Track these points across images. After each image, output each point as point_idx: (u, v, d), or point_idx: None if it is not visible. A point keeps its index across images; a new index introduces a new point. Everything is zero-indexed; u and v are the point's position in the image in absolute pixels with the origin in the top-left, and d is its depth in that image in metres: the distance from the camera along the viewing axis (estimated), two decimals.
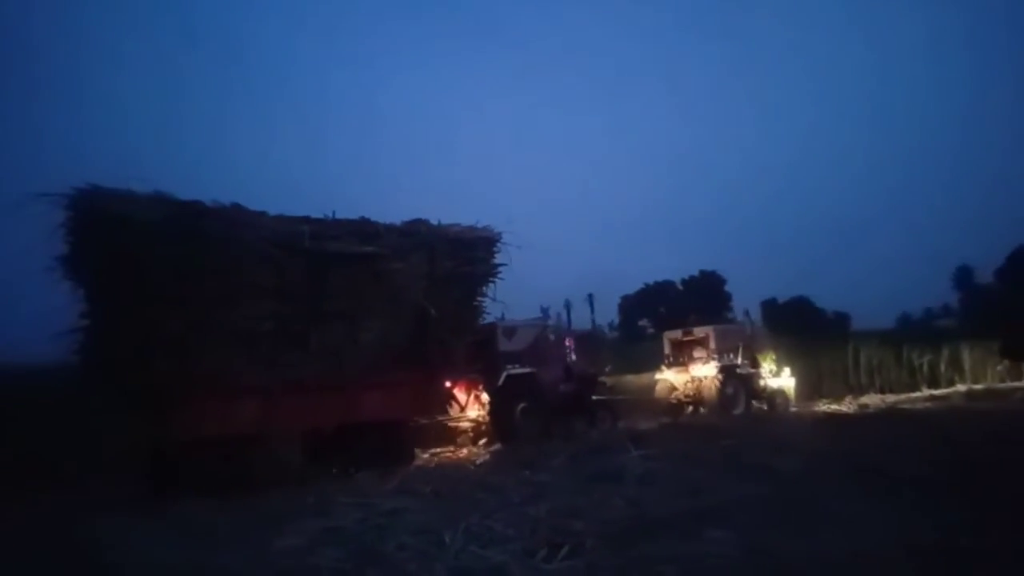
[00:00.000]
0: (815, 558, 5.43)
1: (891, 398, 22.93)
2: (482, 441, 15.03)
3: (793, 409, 20.77)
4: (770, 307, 54.33)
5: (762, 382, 20.73)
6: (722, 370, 19.64)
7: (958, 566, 5.17)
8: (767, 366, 21.19)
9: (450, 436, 15.23)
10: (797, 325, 35.68)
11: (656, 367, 21.32)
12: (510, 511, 7.63)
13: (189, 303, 9.96)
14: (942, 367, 27.98)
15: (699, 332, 21.00)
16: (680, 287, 58.56)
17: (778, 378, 21.28)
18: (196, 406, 10.02)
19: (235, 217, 10.50)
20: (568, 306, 17.55)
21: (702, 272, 58.56)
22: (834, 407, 21.14)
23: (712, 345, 20.27)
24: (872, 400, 22.99)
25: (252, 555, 6.71)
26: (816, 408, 21.29)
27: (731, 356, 20.30)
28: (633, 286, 57.84)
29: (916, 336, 32.96)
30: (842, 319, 53.17)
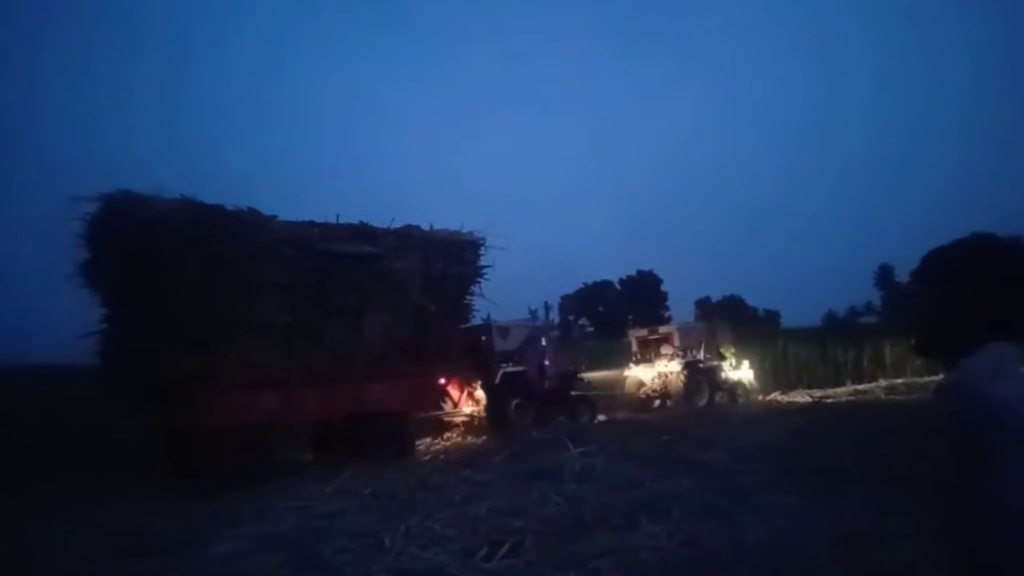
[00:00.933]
0: (740, 548, 5.67)
1: (817, 392, 23.83)
2: (482, 437, 15.67)
3: (748, 400, 21.85)
4: (704, 305, 55.79)
5: (723, 375, 21.66)
6: (686, 365, 20.52)
7: (867, 550, 5.50)
8: (728, 360, 22.14)
9: (444, 429, 16.00)
10: (731, 323, 36.63)
11: (616, 364, 22.32)
12: (450, 511, 7.69)
13: (212, 300, 10.50)
14: (865, 363, 29.27)
15: (664, 330, 22.17)
16: (618, 287, 59.50)
17: (738, 371, 22.26)
18: (221, 397, 10.58)
19: (251, 220, 11.31)
20: (548, 307, 19.00)
21: (639, 272, 59.66)
22: (785, 399, 22.64)
23: (676, 342, 21.25)
24: (800, 395, 23.88)
25: (184, 563, 6.58)
26: (771, 400, 22.57)
27: (694, 352, 21.19)
28: (572, 285, 58.48)
29: (841, 333, 34.37)
30: (773, 317, 55.06)
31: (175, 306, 10.22)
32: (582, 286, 58.53)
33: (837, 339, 30.74)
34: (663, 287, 59.63)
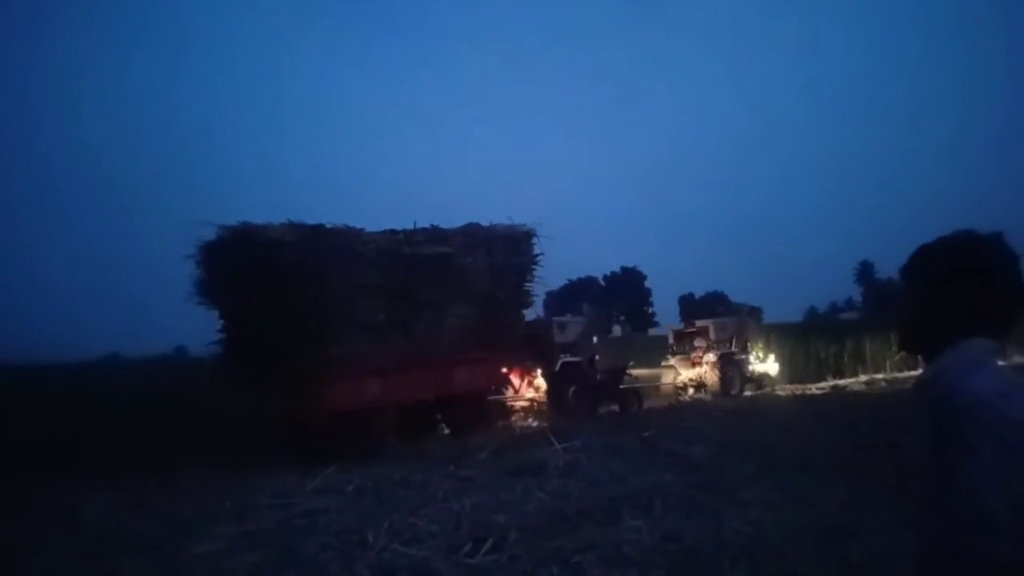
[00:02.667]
0: (721, 542, 5.72)
1: (798, 388, 24.10)
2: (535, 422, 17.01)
3: (771, 390, 23.11)
4: (688, 301, 56.06)
5: (751, 367, 23.01)
6: (720, 358, 21.95)
7: (844, 543, 5.58)
8: (755, 353, 23.64)
9: (507, 414, 17.51)
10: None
11: None
12: (434, 507, 7.68)
13: (321, 304, 12.19)
14: (845, 358, 29.56)
15: (699, 325, 23.57)
16: (602, 283, 59.60)
17: (764, 363, 23.75)
18: (334, 385, 12.27)
19: (347, 234, 13.03)
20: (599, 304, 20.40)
21: (623, 268, 59.84)
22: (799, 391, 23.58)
23: (711, 336, 22.64)
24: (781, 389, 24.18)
25: (164, 562, 6.52)
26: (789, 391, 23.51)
27: (726, 345, 22.61)
28: (557, 281, 58.45)
29: (822, 329, 34.70)
30: (755, 313, 55.31)
31: (292, 312, 11.89)
32: (567, 282, 58.61)
33: (818, 335, 31.03)
34: (647, 283, 59.92)
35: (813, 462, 8.55)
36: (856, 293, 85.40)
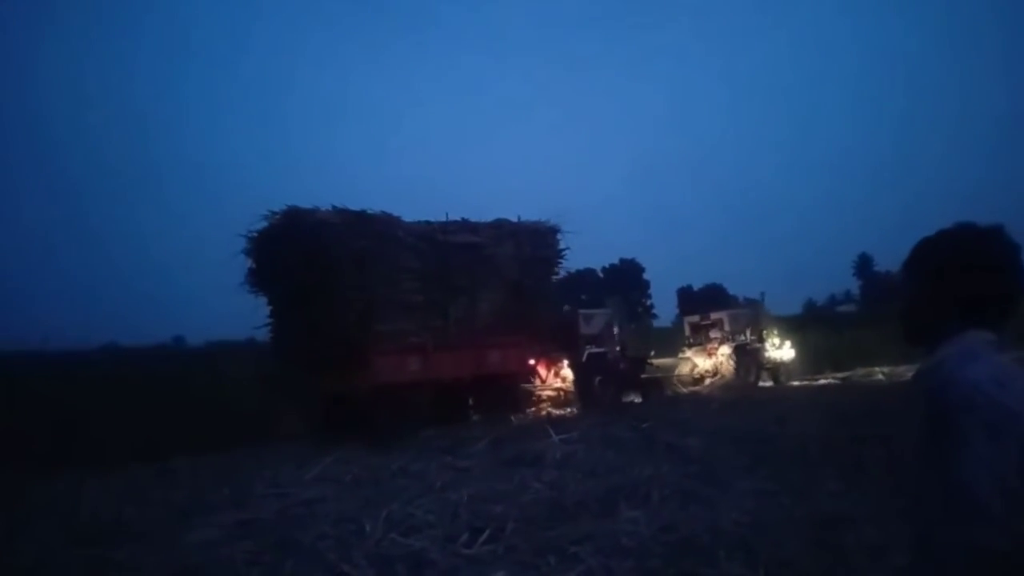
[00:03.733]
0: (717, 532, 5.75)
1: (795, 381, 24.08)
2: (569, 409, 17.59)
3: (786, 380, 23.33)
4: (686, 294, 56.09)
5: (767, 355, 23.23)
6: (736, 349, 22.30)
7: (839, 532, 5.62)
8: (770, 342, 23.60)
9: (534, 403, 17.92)
10: (712, 311, 36.85)
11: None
12: (431, 497, 7.70)
13: (368, 285, 13.12)
14: (844, 350, 29.55)
15: (715, 316, 23.86)
16: (600, 275, 59.63)
17: (780, 352, 23.77)
18: (379, 361, 13.11)
19: (389, 220, 13.77)
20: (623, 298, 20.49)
21: (622, 260, 59.85)
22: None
23: (726, 327, 22.94)
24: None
25: (158, 551, 6.53)
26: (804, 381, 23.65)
27: (742, 336, 22.81)
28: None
29: (821, 321, 34.74)
30: (753, 304, 55.30)
31: (340, 292, 12.85)
32: (565, 274, 58.56)
33: (817, 327, 31.05)
34: (645, 275, 59.94)
35: (807, 453, 8.59)
36: (854, 286, 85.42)
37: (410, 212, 14.86)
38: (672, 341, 25.47)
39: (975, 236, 1.54)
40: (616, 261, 59.65)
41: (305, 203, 13.17)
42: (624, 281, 55.91)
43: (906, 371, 23.85)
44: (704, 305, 28.01)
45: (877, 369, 25.72)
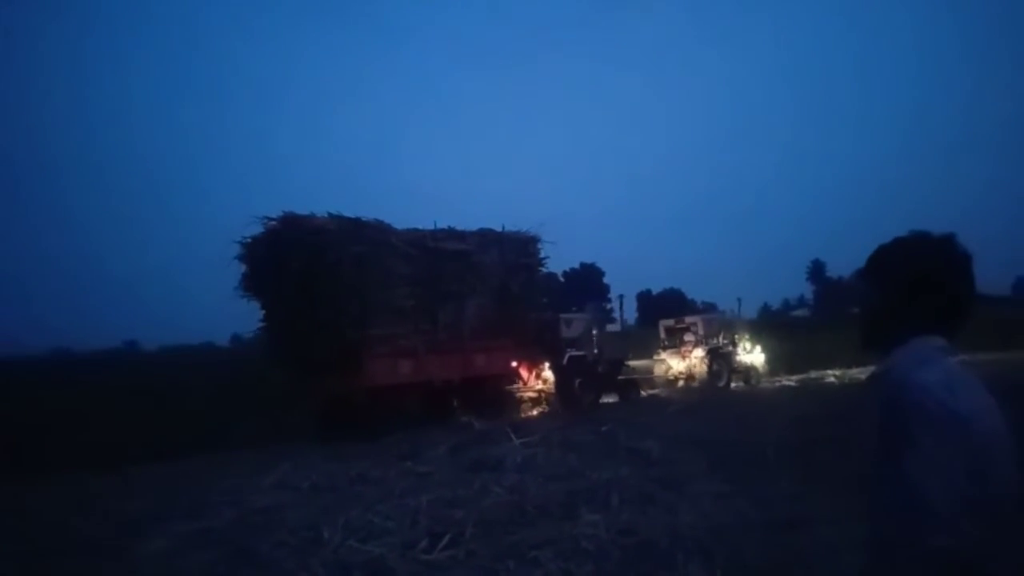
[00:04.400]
0: (675, 535, 5.81)
1: (732, 385, 24.57)
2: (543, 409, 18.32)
3: (757, 382, 24.17)
4: (645, 298, 56.70)
5: (738, 359, 24.05)
6: (709, 352, 22.95)
7: (794, 534, 5.74)
8: (742, 346, 24.49)
9: (516, 404, 18.41)
10: (670, 314, 37.32)
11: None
12: (391, 503, 7.63)
13: (360, 289, 13.45)
14: (798, 354, 30.15)
15: (689, 320, 24.66)
16: (561, 279, 59.81)
17: (751, 356, 24.63)
18: (372, 363, 13.58)
19: (382, 227, 14.34)
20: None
21: (582, 265, 60.23)
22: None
23: (700, 331, 23.52)
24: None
25: (111, 562, 6.36)
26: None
27: (715, 340, 23.53)
28: None
29: (775, 325, 35.38)
30: (711, 309, 56.21)
31: (335, 296, 13.13)
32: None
33: (772, 331, 31.64)
34: (605, 280, 60.35)
35: (765, 456, 8.73)
36: (808, 291, 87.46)
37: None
38: (633, 345, 25.75)
39: (928, 245, 1.58)
40: (577, 266, 60.05)
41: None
42: (585, 286, 56.23)
43: (858, 373, 24.56)
44: (664, 309, 28.55)
45: (830, 372, 26.39)
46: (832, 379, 24.72)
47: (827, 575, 4.96)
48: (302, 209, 13.55)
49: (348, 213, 14.01)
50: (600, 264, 60.86)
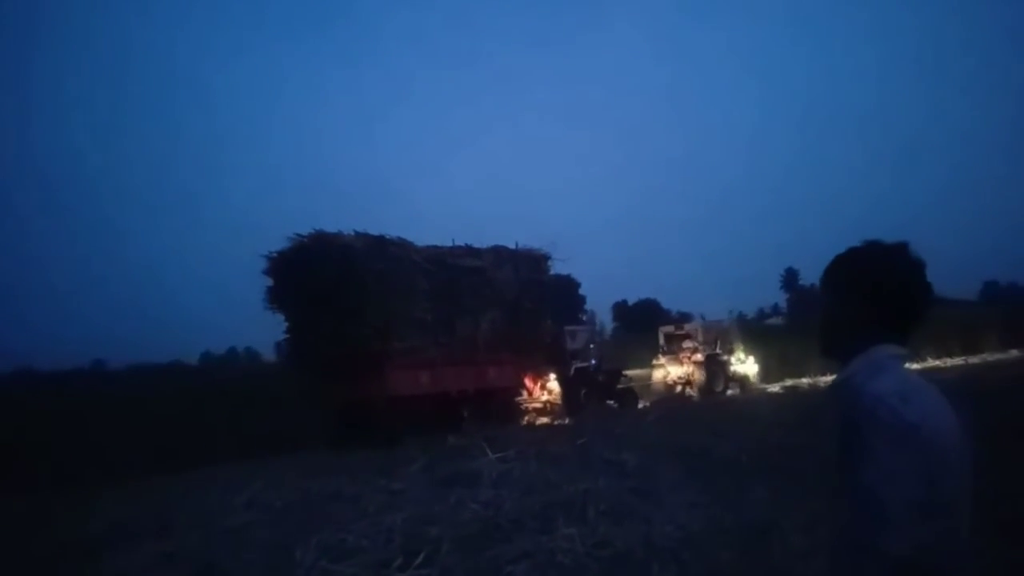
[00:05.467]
0: (650, 546, 5.80)
1: (728, 392, 24.80)
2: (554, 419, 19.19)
3: (749, 389, 24.86)
4: (621, 308, 56.98)
5: (732, 368, 24.81)
6: (707, 359, 23.79)
7: (766, 542, 5.76)
8: (736, 356, 25.30)
9: (522, 414, 19.05)
10: (646, 324, 37.66)
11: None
12: (365, 521, 7.51)
13: (386, 303, 14.13)
14: (771, 362, 30.49)
15: (688, 328, 25.77)
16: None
17: (744, 364, 25.42)
18: (394, 373, 14.24)
19: (404, 244, 15.04)
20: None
21: (557, 275, 60.25)
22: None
23: (699, 339, 24.40)
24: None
25: None
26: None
27: (712, 347, 24.38)
28: None
29: (751, 334, 35.75)
30: (686, 319, 56.72)
31: (360, 310, 13.78)
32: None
33: (745, 340, 31.96)
34: (581, 291, 60.49)
35: (738, 463, 8.78)
36: (782, 299, 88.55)
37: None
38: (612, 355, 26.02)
39: (883, 254, 1.60)
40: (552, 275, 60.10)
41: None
42: (561, 296, 56.29)
43: (829, 381, 24.83)
44: (640, 319, 29.12)
45: (804, 380, 26.80)
46: (805, 386, 25.06)
47: None
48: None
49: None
50: (575, 275, 61.09)
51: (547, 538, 6.40)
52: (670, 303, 59.93)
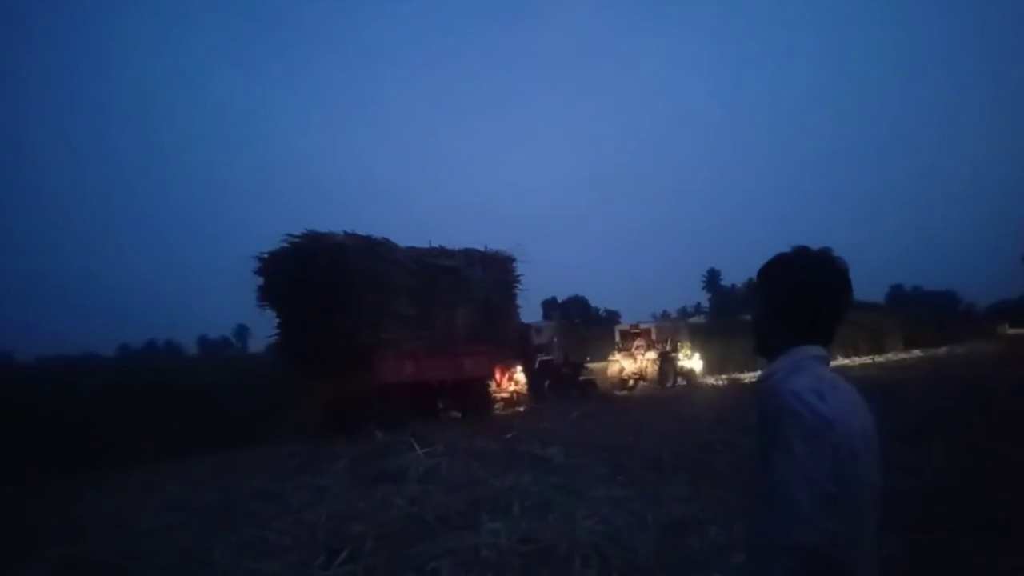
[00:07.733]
0: (573, 541, 5.92)
1: (650, 388, 25.53)
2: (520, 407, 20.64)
3: (694, 383, 26.72)
4: (550, 305, 57.39)
5: (680, 363, 27.08)
6: (659, 356, 26.13)
7: (686, 536, 5.98)
8: (684, 352, 27.62)
9: (495, 403, 20.22)
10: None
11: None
12: (287, 519, 7.40)
13: (374, 299, 15.14)
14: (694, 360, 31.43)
15: (643, 326, 27.96)
16: None
17: (691, 360, 27.79)
18: (382, 364, 15.21)
19: (389, 244, 16.04)
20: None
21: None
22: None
23: (653, 337, 26.71)
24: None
25: None
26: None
27: (664, 346, 26.66)
28: None
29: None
30: (613, 316, 57.87)
31: (350, 305, 14.67)
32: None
33: (692, 339, 32.83)
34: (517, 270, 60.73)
35: (660, 460, 9.03)
36: (704, 299, 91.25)
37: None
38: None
39: (807, 259, 1.71)
40: None
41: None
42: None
43: (747, 378, 25.91)
44: (569, 316, 30.43)
45: (724, 377, 27.97)
46: (722, 383, 26.04)
47: (714, 573, 5.19)
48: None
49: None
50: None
51: (472, 534, 6.44)
52: (598, 300, 61.10)
